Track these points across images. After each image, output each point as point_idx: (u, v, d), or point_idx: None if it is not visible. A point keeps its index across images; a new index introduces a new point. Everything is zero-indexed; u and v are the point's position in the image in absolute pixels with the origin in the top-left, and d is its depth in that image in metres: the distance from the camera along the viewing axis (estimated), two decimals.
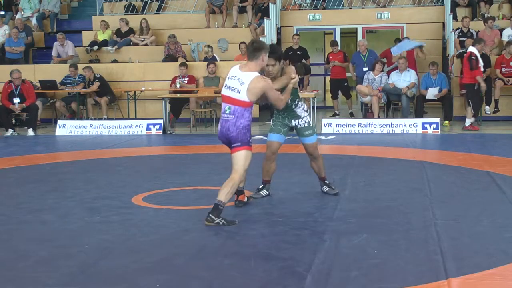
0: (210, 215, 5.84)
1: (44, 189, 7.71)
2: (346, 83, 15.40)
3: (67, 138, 12.90)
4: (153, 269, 4.66)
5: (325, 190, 7.09)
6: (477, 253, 4.94)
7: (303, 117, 6.87)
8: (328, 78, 16.60)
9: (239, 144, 5.99)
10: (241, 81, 5.98)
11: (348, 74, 15.58)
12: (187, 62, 14.92)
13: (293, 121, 6.86)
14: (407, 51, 15.04)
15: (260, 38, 15.65)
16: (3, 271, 4.72)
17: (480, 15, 16.86)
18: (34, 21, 18.50)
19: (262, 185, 7.07)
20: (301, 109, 6.87)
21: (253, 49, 6.05)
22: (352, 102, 15.78)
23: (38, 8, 18.76)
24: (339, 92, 15.48)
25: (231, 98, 6.01)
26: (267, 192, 7.05)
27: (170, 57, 15.59)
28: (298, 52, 15.47)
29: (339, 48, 15.76)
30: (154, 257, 4.94)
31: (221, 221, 5.84)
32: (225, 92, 6.10)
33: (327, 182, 7.13)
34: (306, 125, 6.86)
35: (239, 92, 5.96)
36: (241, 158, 6.00)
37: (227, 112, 6.03)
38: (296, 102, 6.83)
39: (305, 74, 14.45)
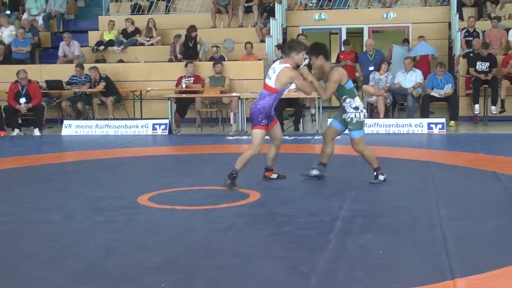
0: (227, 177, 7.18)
1: (50, 188, 7.73)
2: (355, 83, 15.33)
3: (73, 138, 12.93)
4: (159, 269, 4.67)
5: (373, 181, 7.63)
6: (483, 254, 4.93)
7: (349, 112, 7.57)
8: None
9: (252, 124, 7.21)
10: (274, 70, 7.17)
11: (356, 74, 15.55)
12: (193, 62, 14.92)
13: (343, 115, 7.65)
14: (421, 55, 15.03)
15: (266, 38, 15.71)
16: (10, 270, 4.73)
17: (486, 15, 16.82)
18: (40, 21, 18.53)
19: (315, 165, 7.82)
20: (348, 105, 7.57)
21: (287, 47, 7.35)
22: None
23: (44, 8, 18.80)
24: None
25: (265, 83, 7.27)
26: (317, 173, 7.78)
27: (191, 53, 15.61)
28: None
29: (351, 47, 15.70)
30: (160, 257, 4.95)
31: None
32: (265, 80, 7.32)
33: (376, 174, 7.65)
34: (349, 120, 7.58)
35: (269, 79, 7.18)
36: (253, 136, 7.26)
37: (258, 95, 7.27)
38: (344, 98, 7.56)
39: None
